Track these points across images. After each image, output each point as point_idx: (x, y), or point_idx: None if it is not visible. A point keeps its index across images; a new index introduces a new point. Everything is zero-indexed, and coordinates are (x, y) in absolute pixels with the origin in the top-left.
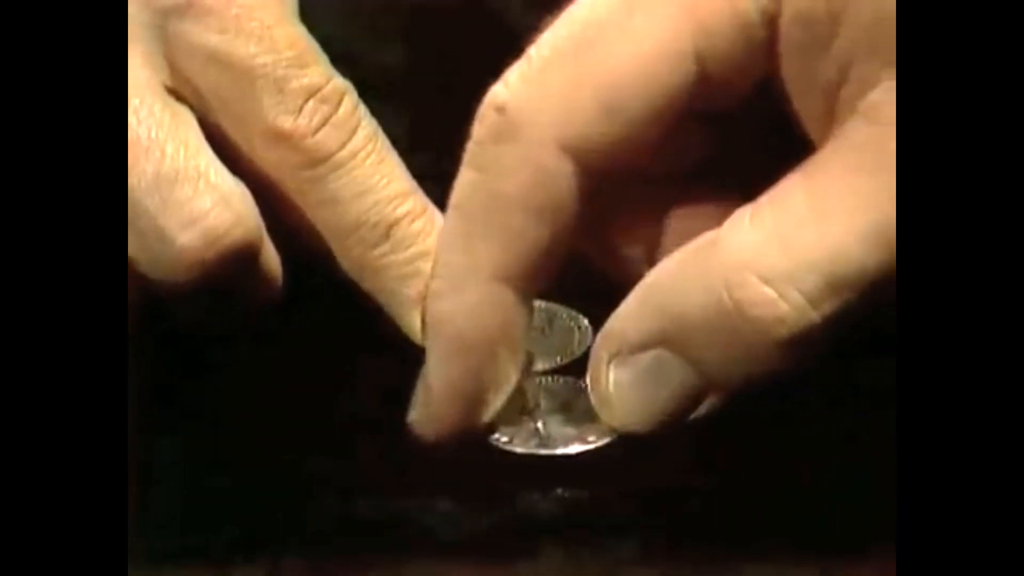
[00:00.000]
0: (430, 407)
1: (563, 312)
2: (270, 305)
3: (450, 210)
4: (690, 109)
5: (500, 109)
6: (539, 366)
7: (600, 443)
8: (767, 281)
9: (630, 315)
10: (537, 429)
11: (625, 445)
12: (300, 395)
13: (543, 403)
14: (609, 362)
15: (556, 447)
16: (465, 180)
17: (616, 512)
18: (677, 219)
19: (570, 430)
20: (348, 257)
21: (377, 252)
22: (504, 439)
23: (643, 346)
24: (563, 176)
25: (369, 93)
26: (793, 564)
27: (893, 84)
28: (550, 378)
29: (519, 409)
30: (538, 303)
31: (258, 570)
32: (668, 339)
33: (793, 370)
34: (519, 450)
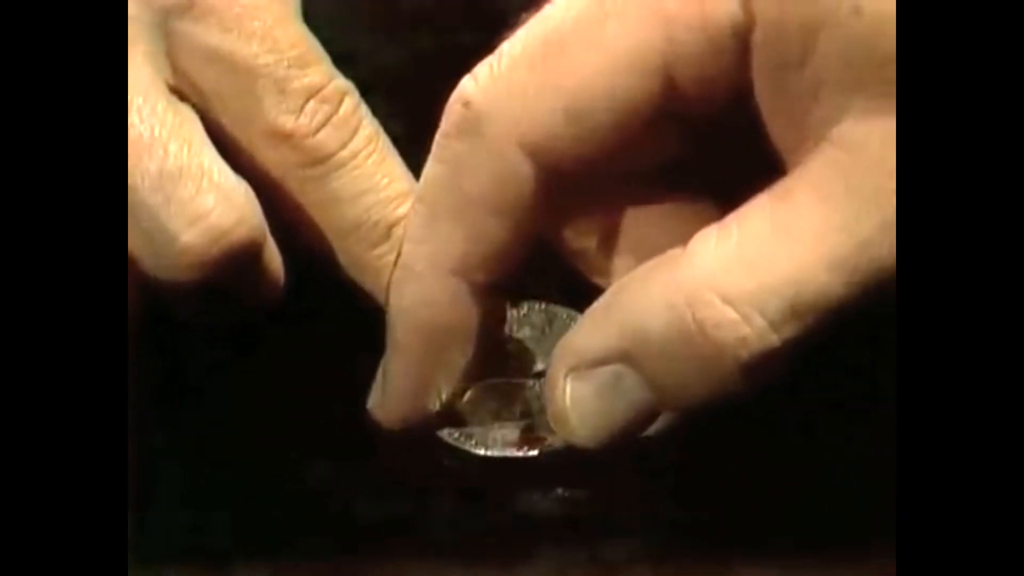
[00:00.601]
0: (385, 393)
1: (563, 312)
2: (271, 305)
3: (415, 201)
4: (660, 114)
5: (466, 104)
6: (539, 366)
7: (532, 453)
8: (730, 302)
9: (590, 329)
10: (488, 429)
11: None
12: (300, 395)
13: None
14: (566, 375)
15: (494, 449)
16: (430, 173)
17: (616, 512)
18: (642, 216)
19: (516, 435)
20: (348, 256)
21: (377, 252)
22: (457, 435)
23: (602, 361)
24: (523, 175)
25: (369, 93)
26: (793, 564)
27: (865, 111)
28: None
29: (504, 408)
30: (538, 303)
31: (258, 570)
32: (627, 355)
33: (749, 392)
34: (463, 447)
